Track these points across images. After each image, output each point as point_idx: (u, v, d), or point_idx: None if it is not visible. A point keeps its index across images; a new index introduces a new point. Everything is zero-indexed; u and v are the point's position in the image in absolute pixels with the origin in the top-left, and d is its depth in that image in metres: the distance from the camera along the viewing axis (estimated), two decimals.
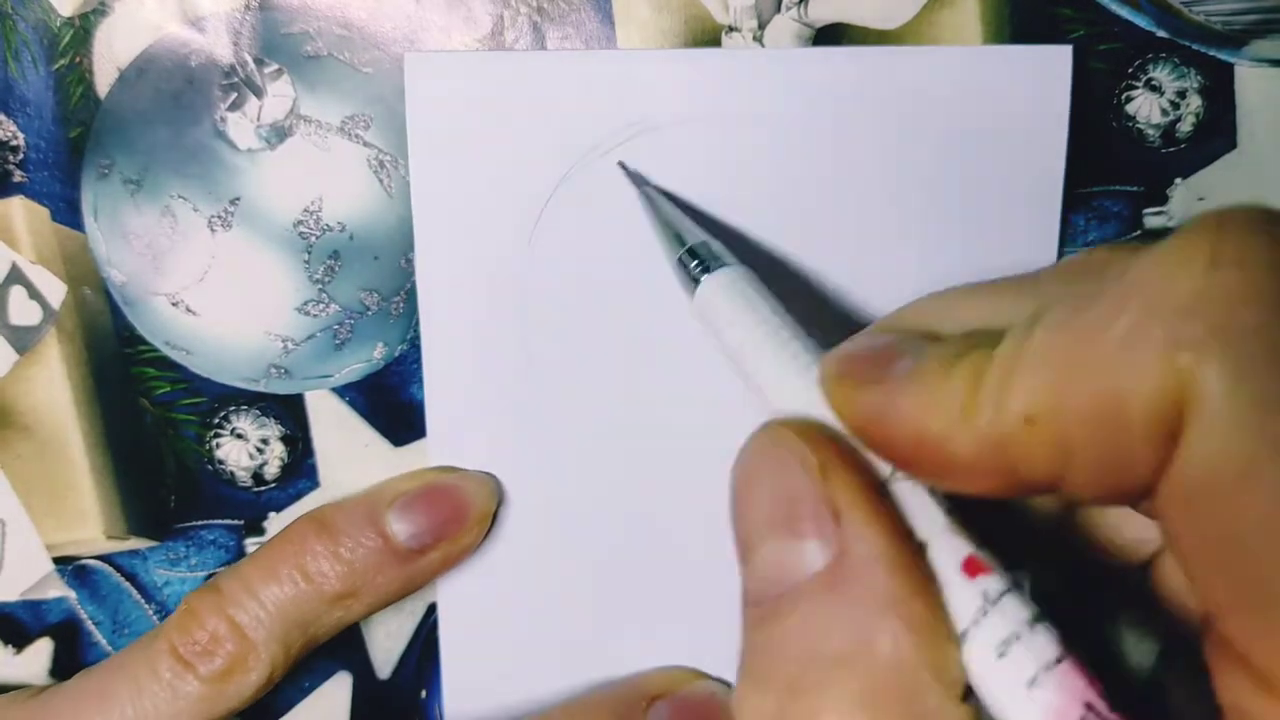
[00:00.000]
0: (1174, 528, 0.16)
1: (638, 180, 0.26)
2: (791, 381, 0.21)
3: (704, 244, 0.24)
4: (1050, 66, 0.26)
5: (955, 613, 0.18)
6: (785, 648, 0.18)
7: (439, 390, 0.28)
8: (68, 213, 0.28)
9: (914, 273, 0.27)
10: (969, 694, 0.17)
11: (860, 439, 0.19)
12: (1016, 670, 0.17)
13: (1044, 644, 0.17)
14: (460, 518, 0.27)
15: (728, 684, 0.29)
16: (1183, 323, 0.15)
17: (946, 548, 0.18)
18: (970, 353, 0.17)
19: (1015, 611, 0.17)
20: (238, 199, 0.27)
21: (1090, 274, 0.18)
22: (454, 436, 0.28)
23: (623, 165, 0.27)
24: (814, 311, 0.27)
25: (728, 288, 0.23)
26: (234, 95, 0.27)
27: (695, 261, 0.23)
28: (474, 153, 0.27)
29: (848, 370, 0.19)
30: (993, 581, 0.18)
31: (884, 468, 0.19)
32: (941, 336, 0.19)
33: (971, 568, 0.18)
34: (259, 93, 0.27)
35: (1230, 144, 0.27)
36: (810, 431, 0.19)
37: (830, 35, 0.27)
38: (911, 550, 0.18)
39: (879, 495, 0.18)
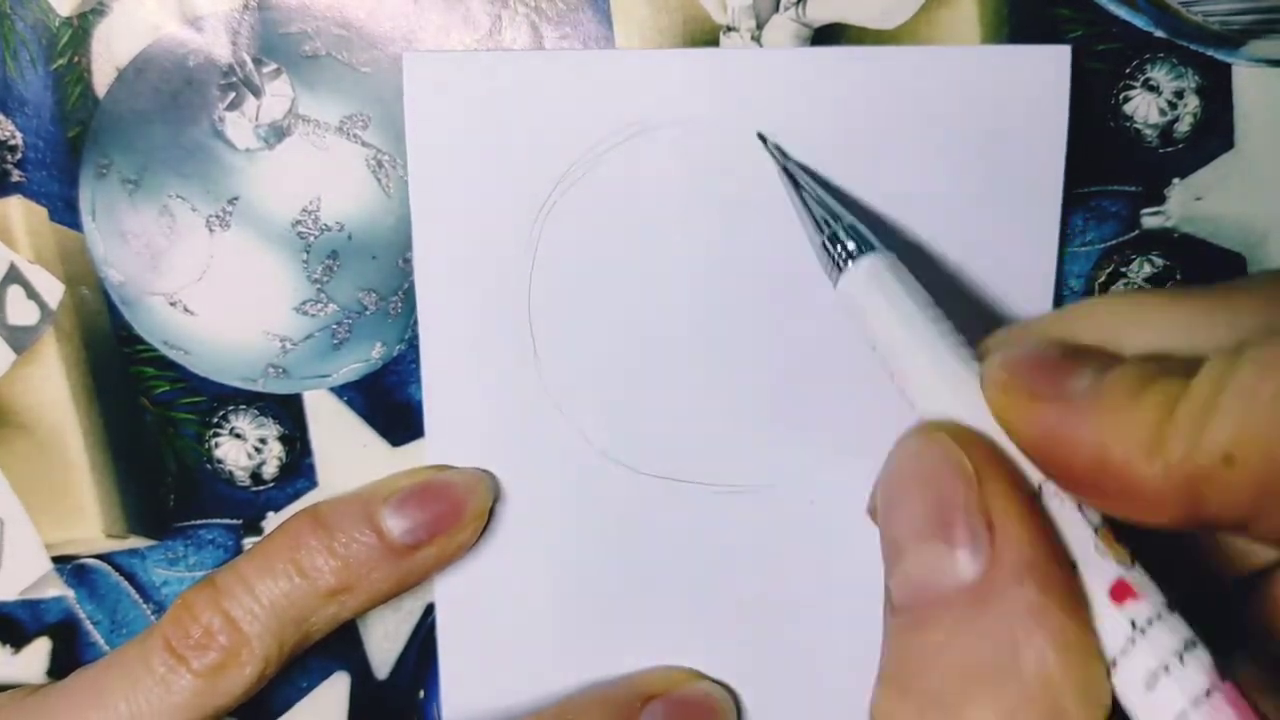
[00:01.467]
0: None
1: (780, 156, 0.25)
2: (947, 381, 0.20)
3: (852, 227, 0.22)
4: (1050, 67, 0.26)
5: (1104, 640, 0.17)
6: (930, 658, 0.18)
7: (437, 390, 0.28)
8: (66, 212, 0.28)
9: (915, 272, 0.27)
10: (1115, 716, 0.17)
11: (1029, 454, 0.18)
12: (1166, 704, 0.16)
13: (1194, 676, 0.16)
14: (455, 514, 0.27)
15: (724, 685, 0.29)
16: None
17: (1096, 569, 0.18)
18: (1161, 379, 0.16)
19: (1165, 640, 0.17)
20: (236, 198, 0.27)
21: None
22: (452, 436, 0.28)
23: (762, 137, 0.25)
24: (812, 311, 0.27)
25: (879, 275, 0.22)
26: (232, 95, 0.27)
27: (841, 246, 0.22)
28: (473, 152, 0.27)
29: (1019, 381, 0.18)
30: (1143, 607, 0.17)
31: (1035, 477, 0.18)
32: (1120, 355, 0.18)
33: (1120, 593, 0.17)
34: (257, 92, 0.27)
35: (1228, 144, 0.27)
36: (966, 437, 0.19)
37: (828, 35, 0.27)
38: (1064, 566, 0.18)
39: (1034, 508, 0.18)
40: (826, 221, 0.23)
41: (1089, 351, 0.18)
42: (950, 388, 0.20)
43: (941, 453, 0.19)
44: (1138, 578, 0.17)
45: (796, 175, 0.24)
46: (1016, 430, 0.18)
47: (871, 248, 0.22)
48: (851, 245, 0.22)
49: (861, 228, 0.23)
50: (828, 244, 0.22)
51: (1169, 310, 0.19)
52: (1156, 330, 0.18)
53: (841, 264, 0.22)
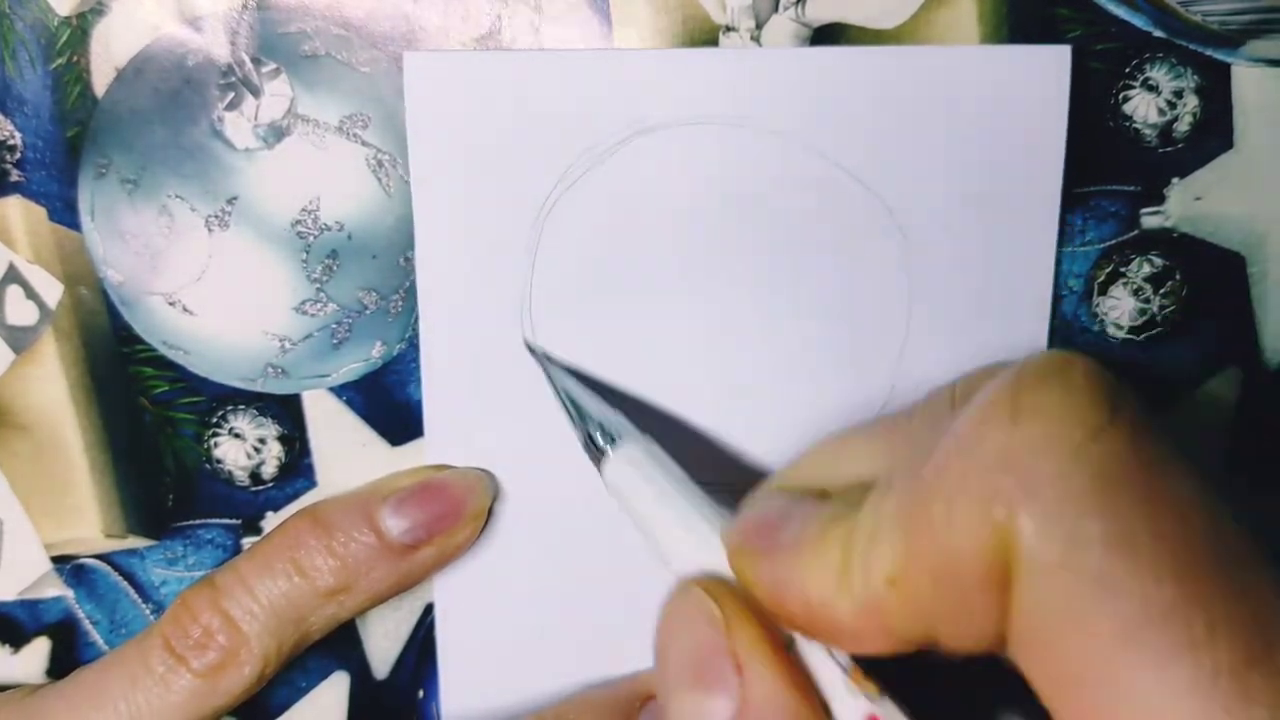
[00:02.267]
0: (1026, 672, 0.16)
1: (541, 359, 0.27)
2: (700, 545, 0.22)
3: (601, 423, 0.25)
4: (1050, 67, 0.26)
5: None
6: None
7: (437, 389, 0.28)
8: (65, 212, 0.28)
9: (911, 272, 0.27)
10: None
11: (764, 605, 0.20)
12: None
13: None
14: (455, 513, 0.27)
15: None
16: (994, 477, 0.16)
17: (848, 707, 0.19)
18: (843, 516, 0.18)
19: None
20: (235, 198, 0.27)
21: (939, 422, 0.18)
22: (451, 435, 0.28)
23: (528, 344, 0.27)
24: (807, 312, 0.27)
25: (632, 461, 0.24)
26: (231, 95, 0.27)
27: (595, 442, 0.24)
28: (473, 152, 0.27)
29: (747, 541, 0.20)
30: None
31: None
32: (830, 492, 0.20)
33: None
34: (256, 92, 0.27)
35: (1227, 144, 0.27)
36: (718, 589, 0.20)
37: (828, 35, 0.27)
38: (813, 705, 0.19)
39: (781, 650, 0.19)
40: (582, 420, 0.25)
41: (802, 497, 0.20)
42: (703, 551, 0.22)
43: (694, 603, 0.20)
44: (888, 710, 0.18)
45: (554, 376, 0.27)
46: (750, 584, 0.20)
47: (619, 438, 0.24)
48: (601, 440, 0.24)
49: (613, 420, 0.25)
50: (588, 440, 0.25)
51: (867, 442, 0.21)
52: (859, 463, 0.20)
53: (599, 457, 0.24)
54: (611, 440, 0.24)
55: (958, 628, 0.17)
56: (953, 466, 0.17)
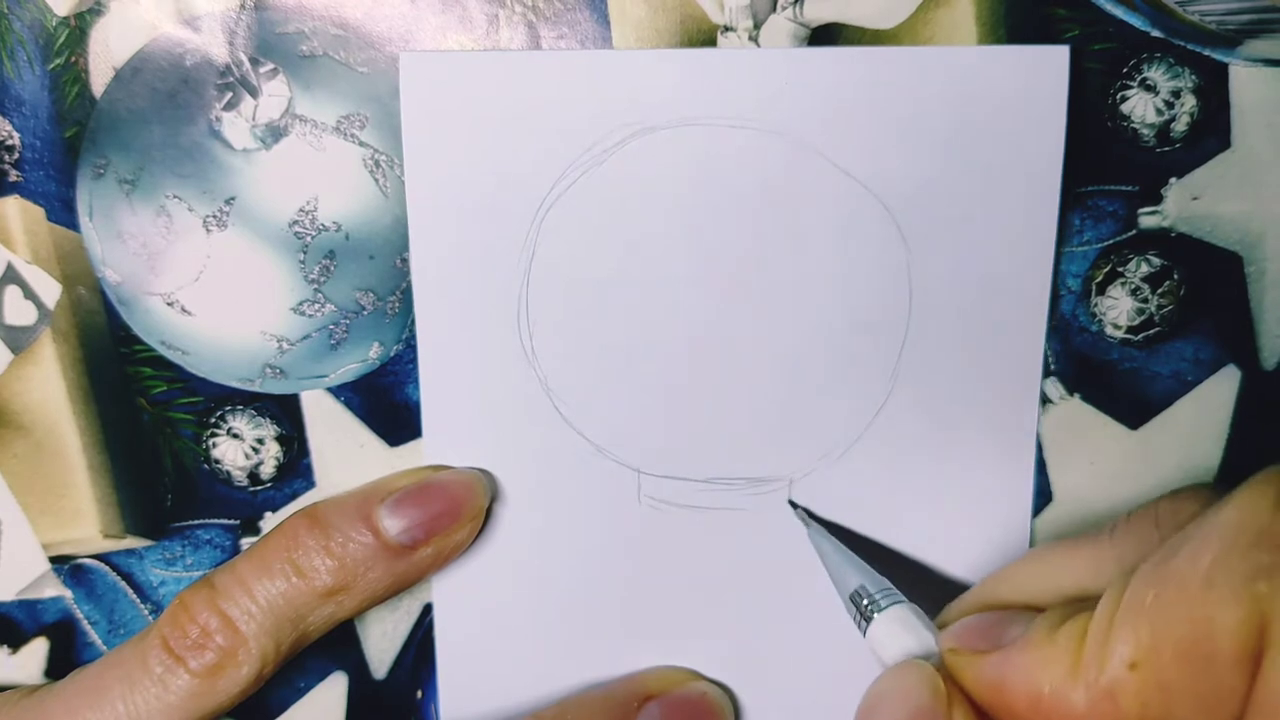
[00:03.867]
0: None
1: (805, 520, 0.28)
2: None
3: (862, 587, 0.25)
4: (1048, 67, 0.26)
5: None
6: None
7: (434, 390, 0.28)
8: (63, 212, 0.28)
9: (909, 271, 0.27)
10: None
11: (980, 701, 0.21)
12: None
13: None
14: (452, 514, 0.27)
15: (721, 685, 0.29)
16: (1257, 555, 0.17)
17: None
18: (1072, 617, 0.20)
19: None
20: (233, 199, 0.27)
21: (1173, 524, 0.20)
22: (449, 436, 0.28)
23: (792, 503, 0.28)
24: (796, 315, 0.27)
25: (898, 623, 0.24)
26: (229, 95, 0.27)
27: (866, 600, 0.25)
28: (469, 152, 0.27)
29: (964, 643, 0.22)
30: None
31: None
32: (1043, 606, 0.22)
33: None
34: (254, 92, 0.27)
35: (1224, 143, 0.27)
36: (937, 671, 0.22)
37: (826, 35, 0.27)
38: None
39: None
40: (845, 582, 0.26)
41: (1017, 610, 0.22)
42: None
43: (920, 675, 0.22)
44: None
45: (813, 537, 0.27)
46: (966, 681, 0.22)
47: (892, 602, 0.25)
48: (866, 602, 0.25)
49: (876, 583, 0.25)
50: (854, 598, 0.25)
51: (1071, 559, 0.23)
52: (1061, 579, 0.22)
53: (866, 619, 0.25)
54: (878, 602, 0.25)
55: (1196, 709, 0.18)
56: (1212, 548, 0.18)
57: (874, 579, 0.25)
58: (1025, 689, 0.20)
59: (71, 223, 0.28)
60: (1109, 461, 0.28)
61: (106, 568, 0.29)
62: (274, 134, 0.27)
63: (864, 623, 0.25)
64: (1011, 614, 0.22)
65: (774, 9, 0.27)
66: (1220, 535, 0.18)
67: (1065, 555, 0.23)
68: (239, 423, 0.29)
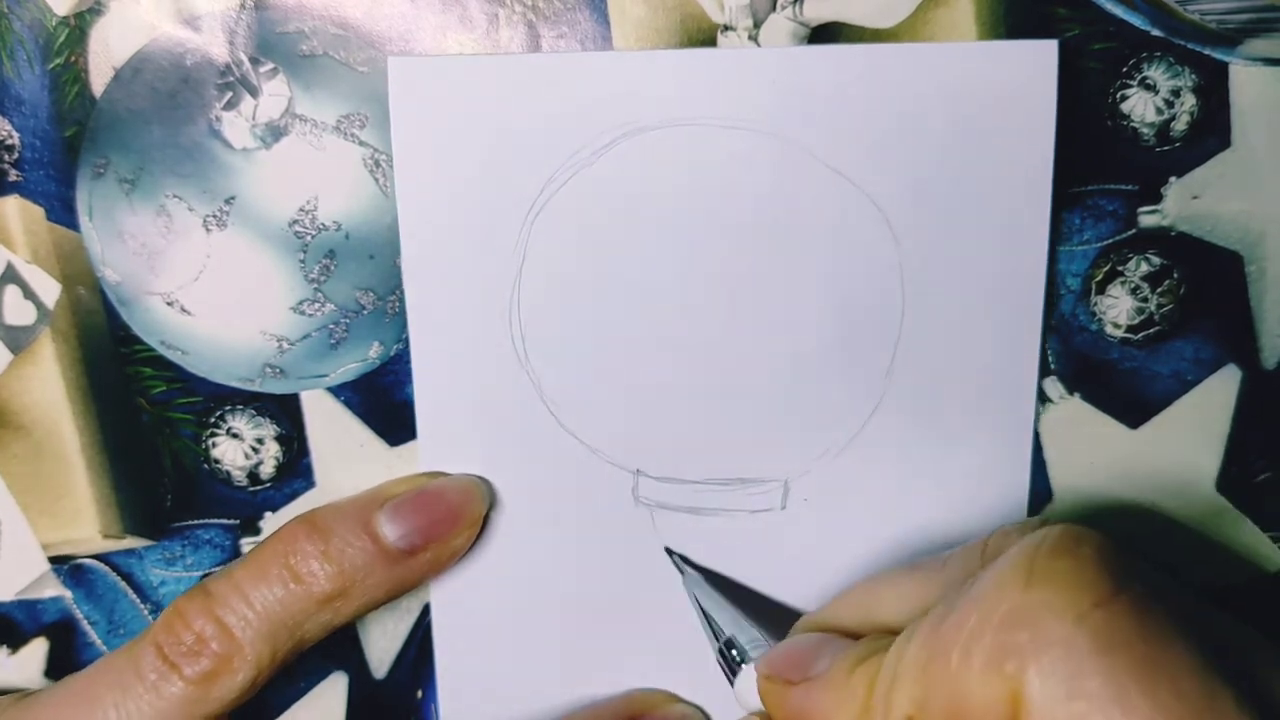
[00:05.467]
0: None
1: (680, 566, 0.28)
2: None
3: (735, 637, 0.26)
4: (1037, 60, 0.26)
5: None
6: None
7: (428, 395, 0.28)
8: (63, 212, 0.28)
9: (900, 270, 0.27)
10: None
11: None
12: None
13: None
14: (451, 520, 0.27)
15: (700, 710, 0.29)
16: (1007, 634, 0.18)
17: None
18: (871, 657, 0.21)
19: None
20: (233, 198, 0.27)
21: (969, 574, 0.21)
22: (444, 440, 0.28)
23: (668, 550, 0.28)
24: (795, 318, 0.27)
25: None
26: (229, 94, 0.27)
27: (735, 650, 0.25)
28: (460, 155, 0.27)
29: (777, 671, 0.23)
30: None
31: None
32: (859, 633, 0.22)
33: None
34: (254, 92, 0.27)
35: (1224, 143, 0.27)
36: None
37: (826, 34, 0.27)
38: None
39: None
40: (715, 635, 0.26)
41: (832, 636, 0.23)
42: None
43: None
44: None
45: (689, 584, 0.28)
46: (774, 712, 0.23)
47: (752, 656, 0.25)
48: (735, 654, 0.25)
49: (747, 635, 0.25)
50: (722, 651, 0.26)
51: (902, 588, 0.23)
52: (888, 608, 0.23)
53: (733, 670, 0.25)
54: (744, 657, 0.25)
55: None
56: (970, 623, 0.18)
57: (745, 631, 0.25)
58: None
59: (71, 222, 0.28)
60: (1109, 461, 0.28)
61: (106, 568, 0.29)
62: (274, 133, 0.27)
63: (731, 675, 0.25)
64: (824, 642, 0.23)
65: (773, 8, 0.27)
66: (978, 609, 0.19)
67: (898, 583, 0.24)
68: (239, 422, 0.29)
